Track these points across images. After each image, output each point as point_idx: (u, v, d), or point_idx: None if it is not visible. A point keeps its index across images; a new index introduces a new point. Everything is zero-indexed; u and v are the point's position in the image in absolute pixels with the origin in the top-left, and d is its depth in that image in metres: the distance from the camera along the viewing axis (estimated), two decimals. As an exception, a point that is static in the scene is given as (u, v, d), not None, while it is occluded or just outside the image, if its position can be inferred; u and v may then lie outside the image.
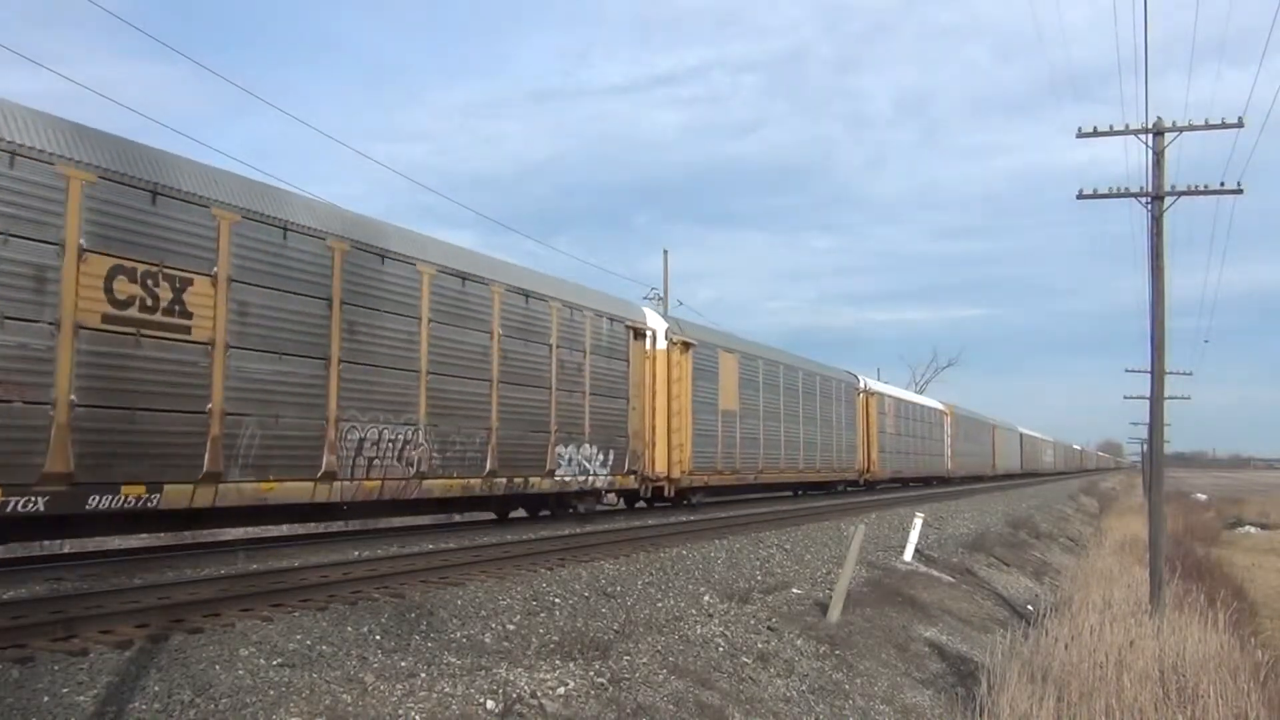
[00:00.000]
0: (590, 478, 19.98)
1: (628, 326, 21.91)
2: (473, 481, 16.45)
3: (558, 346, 19.10)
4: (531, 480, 18.09)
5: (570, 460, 19.32)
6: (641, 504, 24.55)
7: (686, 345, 24.02)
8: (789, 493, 34.91)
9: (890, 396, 44.70)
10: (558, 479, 18.91)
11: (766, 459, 29.02)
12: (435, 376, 15.72)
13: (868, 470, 40.09)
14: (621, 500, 24.28)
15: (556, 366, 19.03)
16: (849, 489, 39.26)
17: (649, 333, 22.90)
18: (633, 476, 21.73)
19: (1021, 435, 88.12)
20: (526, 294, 18.23)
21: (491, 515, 20.64)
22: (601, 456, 20.37)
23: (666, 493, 23.51)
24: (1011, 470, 78.92)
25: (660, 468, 23.04)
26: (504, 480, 17.19)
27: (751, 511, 25.01)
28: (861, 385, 40.39)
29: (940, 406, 56.75)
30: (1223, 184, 18.11)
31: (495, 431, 17.00)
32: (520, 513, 20.73)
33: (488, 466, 16.79)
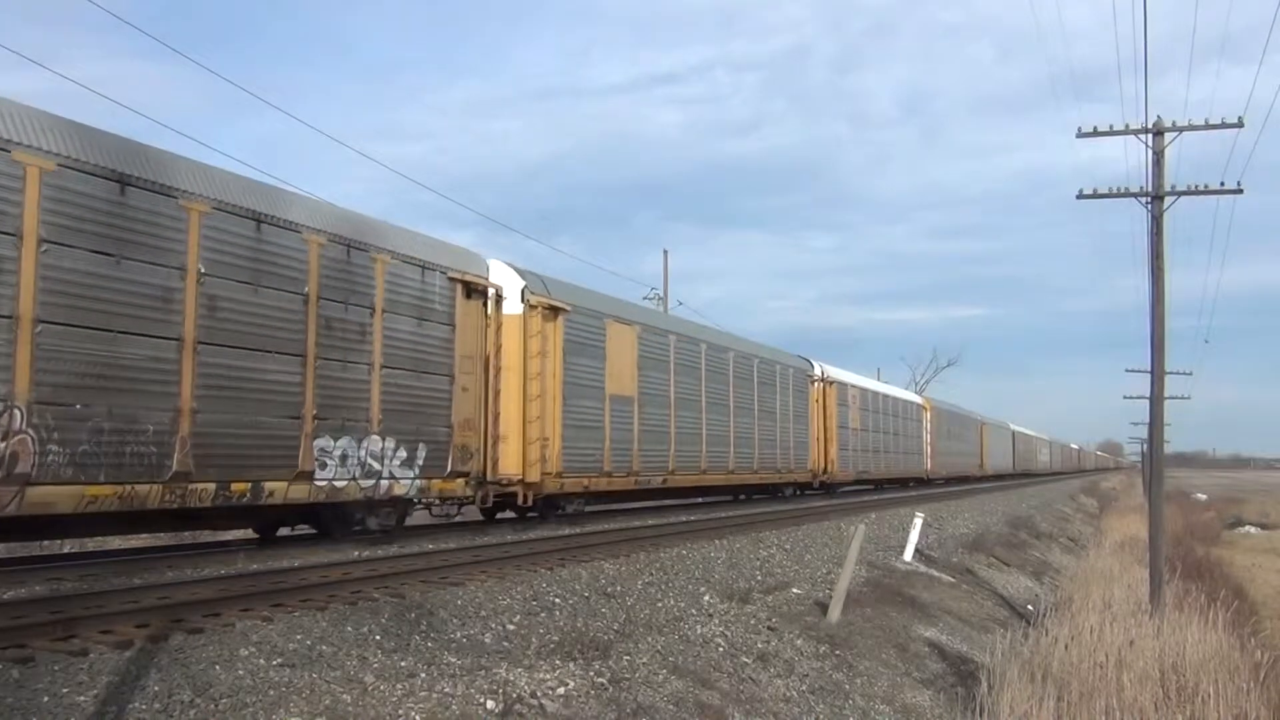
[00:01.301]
0: (383, 482, 14.40)
1: (453, 279, 15.95)
2: (142, 489, 11.00)
3: (321, 298, 13.45)
4: (269, 486, 12.57)
5: (346, 458, 13.78)
6: (510, 514, 19.32)
7: (555, 310, 18.70)
8: (723, 499, 29.96)
9: (854, 386, 38.75)
10: (321, 484, 13.33)
11: (681, 458, 23.60)
12: (54, 329, 10.29)
13: (825, 470, 34.34)
14: (460, 511, 17.91)
15: (317, 325, 13.38)
16: (801, 493, 33.86)
17: (491, 290, 17.09)
18: (461, 480, 16.04)
19: (1014, 433, 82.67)
20: (259, 219, 12.67)
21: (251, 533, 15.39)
22: (404, 453, 14.79)
23: (522, 501, 17.76)
24: (1003, 471, 73.84)
25: (510, 468, 17.42)
26: (210, 487, 11.79)
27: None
28: (817, 372, 34.66)
29: (918, 400, 52.05)
30: (1223, 184, 18.13)
31: (190, 415, 11.58)
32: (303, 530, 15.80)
33: (173, 467, 11.37)
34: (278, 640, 7.86)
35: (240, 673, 7.12)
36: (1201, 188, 18.19)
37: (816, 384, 34.37)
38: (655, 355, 22.92)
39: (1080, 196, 18.84)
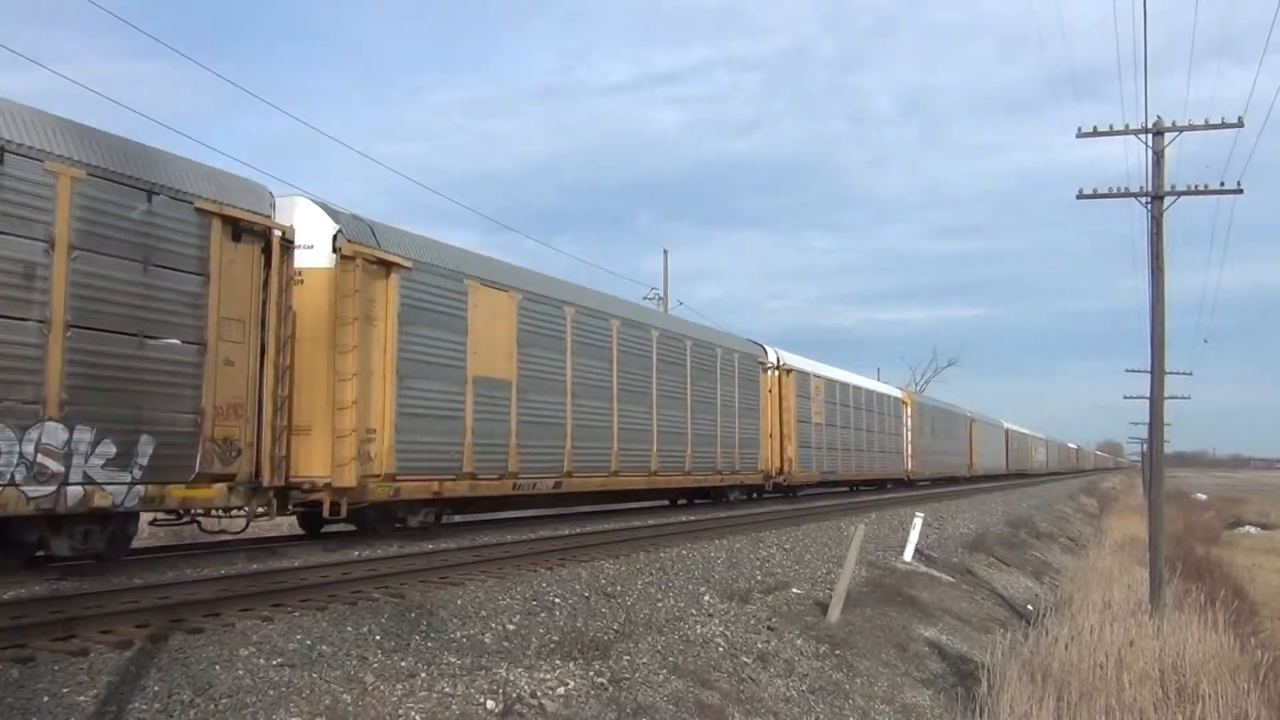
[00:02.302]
0: (71, 489, 10.22)
1: (205, 212, 11.85)
2: None
3: None
4: None
5: None
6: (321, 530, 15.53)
7: (386, 265, 14.53)
8: (651, 504, 25.47)
9: (819, 377, 34.08)
10: None
11: (583, 457, 19.38)
12: None
13: (781, 471, 29.94)
14: (248, 527, 13.35)
15: None
16: (756, 496, 29.92)
17: (277, 233, 12.71)
18: (221, 486, 11.87)
19: (1007, 431, 77.68)
20: None
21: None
22: (111, 448, 10.64)
23: (329, 511, 13.54)
24: (995, 471, 69.41)
25: (314, 469, 13.37)
26: None
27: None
28: (771, 359, 30.24)
29: (897, 393, 47.08)
30: (1223, 184, 18.13)
31: None
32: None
33: None
34: (278, 640, 7.86)
35: (240, 673, 7.12)
36: (1201, 188, 18.19)
37: (770, 372, 29.87)
38: (544, 330, 18.40)
39: (1080, 196, 18.85)
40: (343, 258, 13.93)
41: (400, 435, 14.59)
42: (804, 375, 32.71)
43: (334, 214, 14.26)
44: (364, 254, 14.23)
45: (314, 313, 13.66)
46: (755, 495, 30.01)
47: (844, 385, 37.34)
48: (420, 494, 15.24)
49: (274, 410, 12.58)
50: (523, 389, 17.59)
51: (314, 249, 13.75)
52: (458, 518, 17.42)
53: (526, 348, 17.80)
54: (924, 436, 48.99)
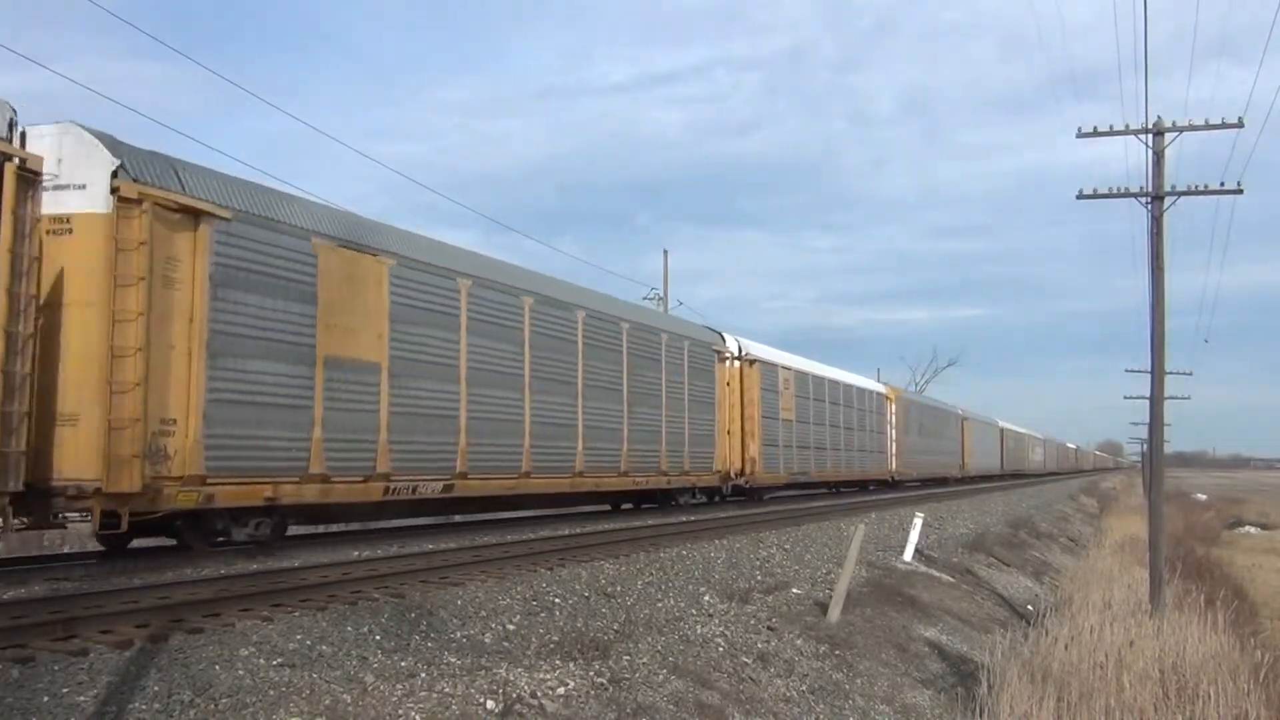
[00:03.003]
0: None
1: None
2: None
3: None
4: None
5: None
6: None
7: (192, 214, 11.78)
8: (581, 511, 22.56)
9: (788, 368, 31.01)
10: None
11: (483, 455, 16.33)
12: None
13: (743, 471, 27.07)
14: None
15: None
16: (718, 500, 27.26)
17: (11, 163, 9.79)
18: None
19: (1003, 430, 74.47)
20: None
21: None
22: None
23: (96, 526, 10.94)
24: (989, 471, 66.42)
25: (83, 469, 10.66)
26: None
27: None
28: (731, 348, 27.27)
29: (880, 388, 43.77)
30: (1223, 184, 18.14)
31: None
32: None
33: None
34: (278, 640, 7.86)
35: (240, 673, 7.12)
36: (1201, 188, 18.19)
37: (730, 363, 26.92)
38: (430, 305, 15.40)
39: (1080, 196, 18.85)
40: (123, 200, 10.96)
41: (211, 427, 11.74)
42: (771, 367, 29.53)
43: (115, 146, 11.25)
44: (156, 198, 11.22)
45: (86, 270, 10.90)
46: (719, 498, 27.33)
47: (818, 379, 34.27)
48: (246, 500, 12.35)
49: (4, 391, 9.58)
50: (398, 373, 14.49)
51: (86, 190, 10.98)
52: (323, 528, 15.25)
53: (404, 325, 14.71)
54: (910, 435, 46.19)
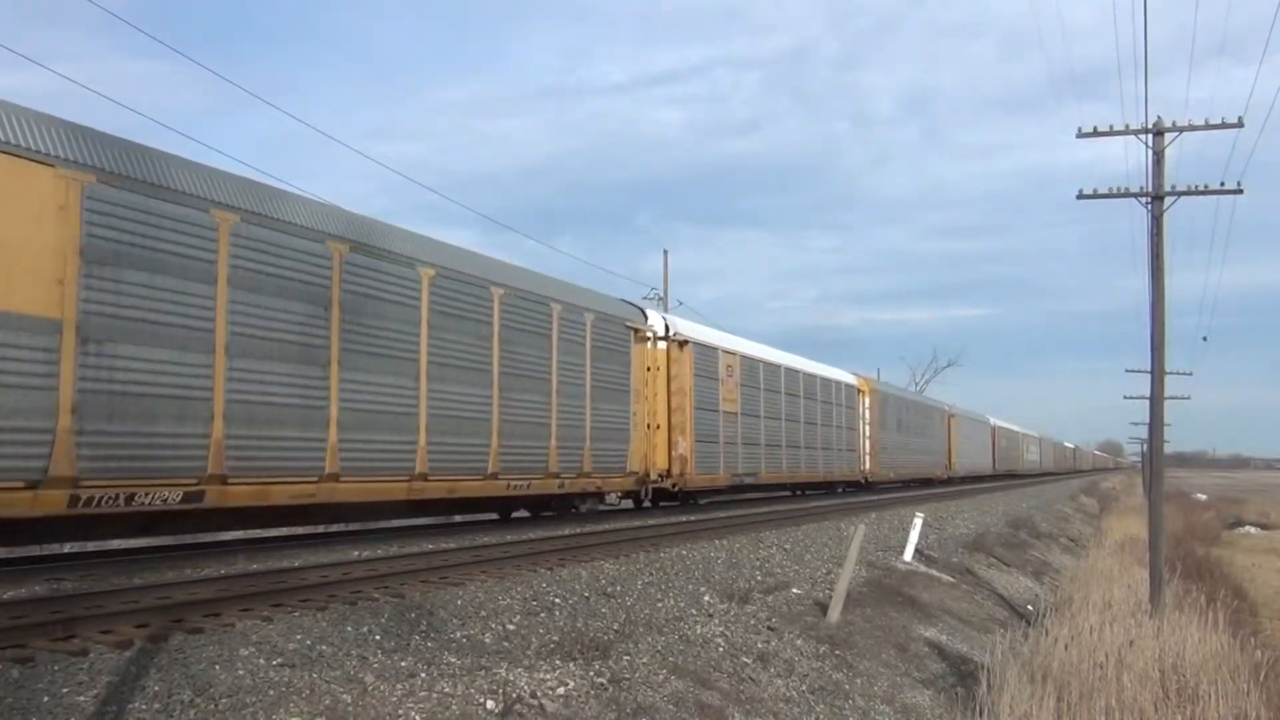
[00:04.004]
0: None
1: None
2: None
3: None
4: None
5: None
6: None
7: None
8: (433, 519, 19.01)
9: (731, 353, 26.75)
10: None
11: (248, 450, 12.33)
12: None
13: (669, 472, 22.71)
14: None
15: None
16: (648, 502, 23.28)
17: None
18: None
19: (994, 428, 70.48)
20: None
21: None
22: None
23: None
24: (979, 471, 62.97)
25: None
26: None
27: (747, 511, 20.88)
28: (655, 327, 22.88)
29: (851, 380, 39.02)
30: (1223, 184, 18.15)
31: None
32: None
33: None
34: (278, 640, 7.86)
35: (240, 673, 7.12)
36: (1201, 188, 18.21)
37: (654, 344, 22.55)
38: (159, 247, 11.37)
39: (1080, 196, 18.87)
40: None
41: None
42: (709, 350, 25.25)
43: None
44: None
45: None
46: (648, 501, 23.42)
47: (772, 366, 30.02)
48: None
49: None
50: (93, 336, 10.62)
51: None
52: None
53: (107, 268, 10.81)
54: (888, 431, 42.16)
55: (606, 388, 20.40)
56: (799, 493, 34.59)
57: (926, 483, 49.68)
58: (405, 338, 15.04)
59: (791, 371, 31.89)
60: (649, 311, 23.49)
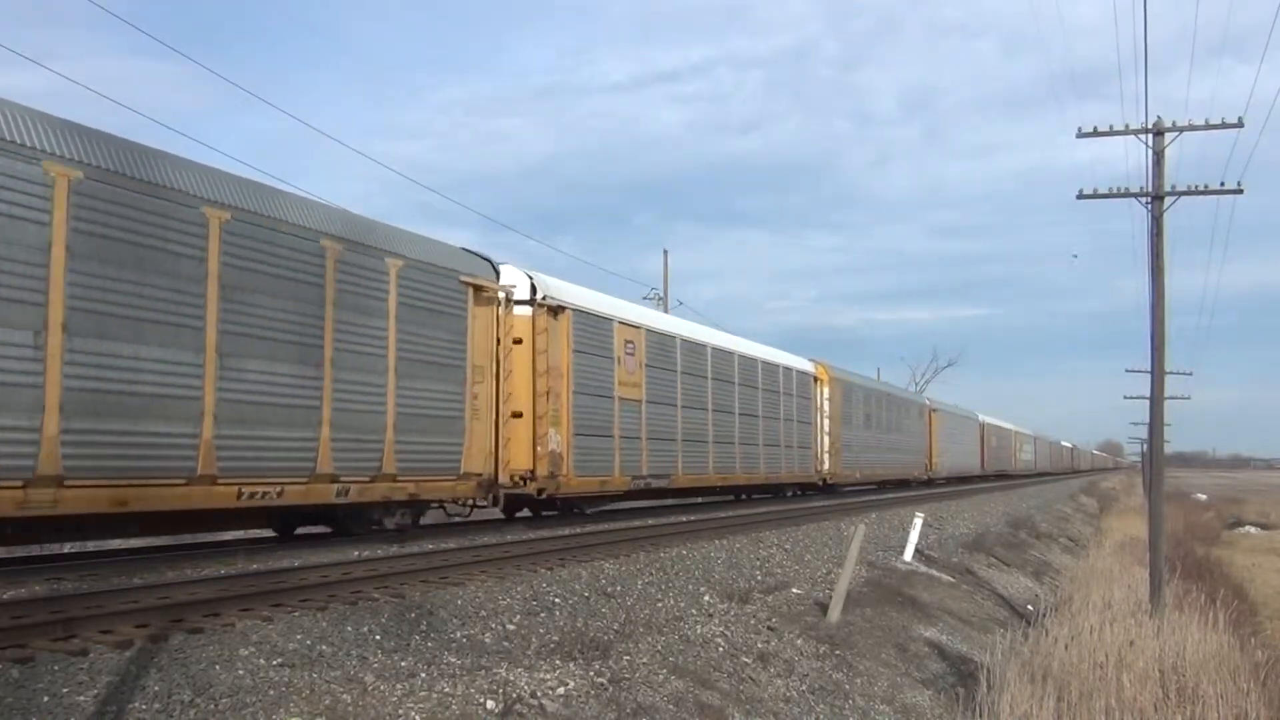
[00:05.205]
0: None
1: None
2: None
3: None
4: None
5: None
6: None
7: None
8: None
9: (632, 326, 21.46)
10: None
11: None
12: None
13: (533, 473, 17.60)
14: None
15: None
16: (472, 517, 17.61)
17: None
18: None
19: (983, 425, 65.22)
20: None
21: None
22: None
23: None
24: (966, 472, 58.21)
25: None
26: None
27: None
28: (515, 288, 17.62)
29: (807, 367, 33.49)
30: (1223, 184, 18.16)
31: None
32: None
33: None
34: (278, 640, 7.87)
35: (240, 672, 7.12)
36: (1201, 188, 18.22)
37: (504, 306, 17.05)
38: None
39: (1080, 196, 18.87)
40: None
41: None
42: (597, 321, 20.08)
43: None
44: None
45: None
46: (500, 511, 18.39)
47: (694, 345, 24.72)
48: None
49: None
50: None
51: None
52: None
53: None
54: (852, 427, 36.89)
55: (425, 360, 15.00)
56: (743, 497, 30.17)
57: (904, 484, 45.25)
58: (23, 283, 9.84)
59: (722, 353, 26.62)
60: (507, 267, 17.88)
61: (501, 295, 17.05)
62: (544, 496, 18.18)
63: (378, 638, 8.45)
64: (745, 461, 27.52)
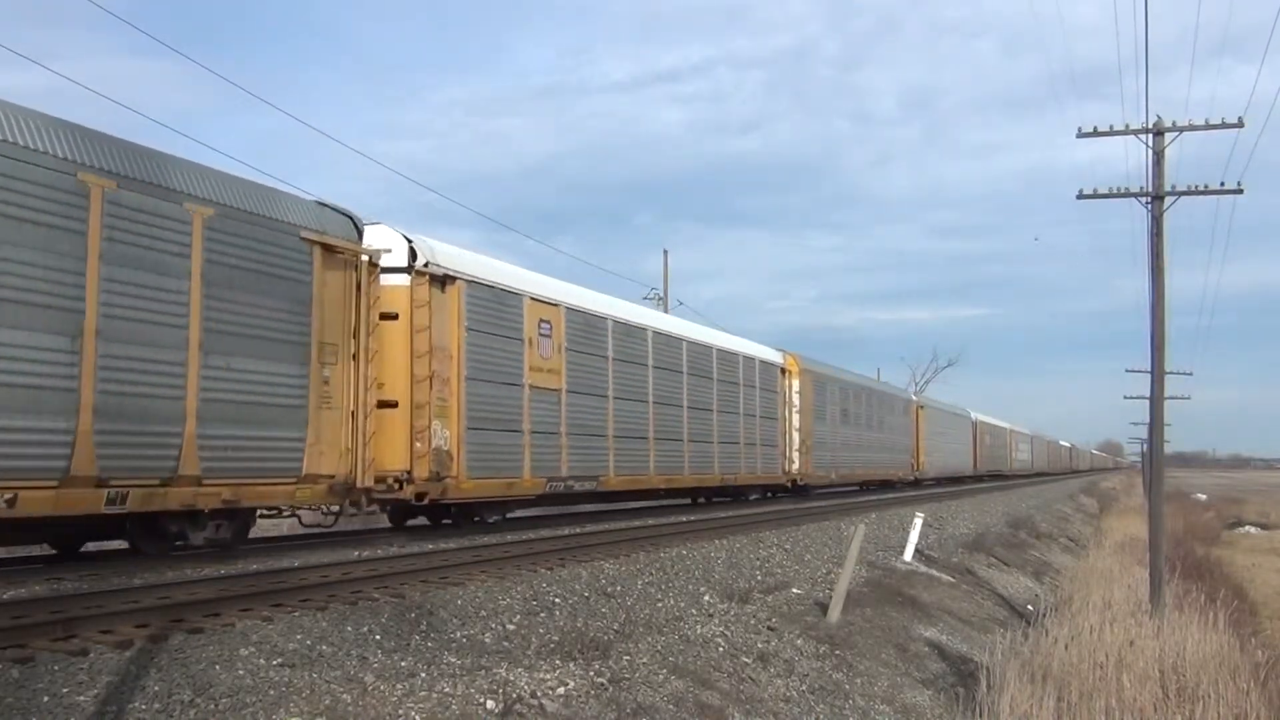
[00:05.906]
0: None
1: None
2: None
3: None
4: None
5: None
6: None
7: None
8: None
9: (547, 303, 18.44)
10: None
11: None
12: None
13: (413, 476, 14.72)
14: None
15: None
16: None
17: None
18: None
19: (976, 423, 62.05)
20: None
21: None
22: None
23: None
24: (957, 472, 55.47)
25: None
26: None
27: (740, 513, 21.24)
28: (385, 250, 14.43)
29: (774, 357, 30.66)
30: (1223, 184, 18.16)
31: None
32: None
33: None
34: (278, 640, 7.87)
35: (240, 672, 7.12)
36: (1201, 188, 18.22)
37: (370, 273, 14.00)
38: None
39: (1080, 197, 18.87)
40: None
41: None
42: (501, 295, 17.08)
43: None
44: None
45: None
46: (356, 519, 15.56)
47: (630, 328, 21.60)
48: None
49: None
50: None
51: None
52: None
53: None
54: (826, 423, 33.90)
55: (246, 335, 12.19)
56: (700, 500, 27.43)
57: (888, 485, 42.36)
58: None
59: (666, 338, 23.27)
60: (378, 227, 14.84)
61: (364, 259, 13.88)
62: (426, 502, 15.25)
63: (378, 638, 8.45)
64: (696, 461, 24.30)
